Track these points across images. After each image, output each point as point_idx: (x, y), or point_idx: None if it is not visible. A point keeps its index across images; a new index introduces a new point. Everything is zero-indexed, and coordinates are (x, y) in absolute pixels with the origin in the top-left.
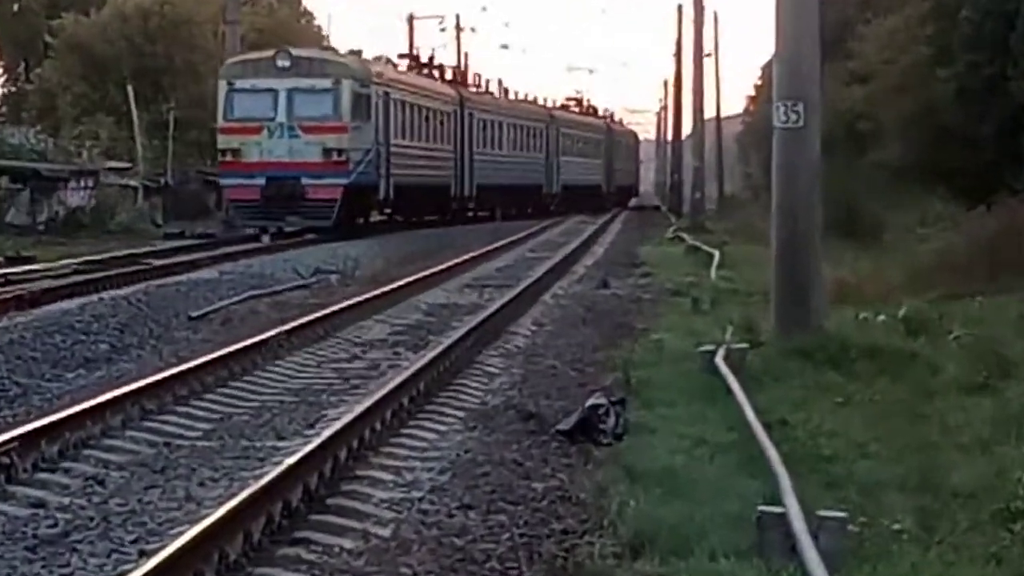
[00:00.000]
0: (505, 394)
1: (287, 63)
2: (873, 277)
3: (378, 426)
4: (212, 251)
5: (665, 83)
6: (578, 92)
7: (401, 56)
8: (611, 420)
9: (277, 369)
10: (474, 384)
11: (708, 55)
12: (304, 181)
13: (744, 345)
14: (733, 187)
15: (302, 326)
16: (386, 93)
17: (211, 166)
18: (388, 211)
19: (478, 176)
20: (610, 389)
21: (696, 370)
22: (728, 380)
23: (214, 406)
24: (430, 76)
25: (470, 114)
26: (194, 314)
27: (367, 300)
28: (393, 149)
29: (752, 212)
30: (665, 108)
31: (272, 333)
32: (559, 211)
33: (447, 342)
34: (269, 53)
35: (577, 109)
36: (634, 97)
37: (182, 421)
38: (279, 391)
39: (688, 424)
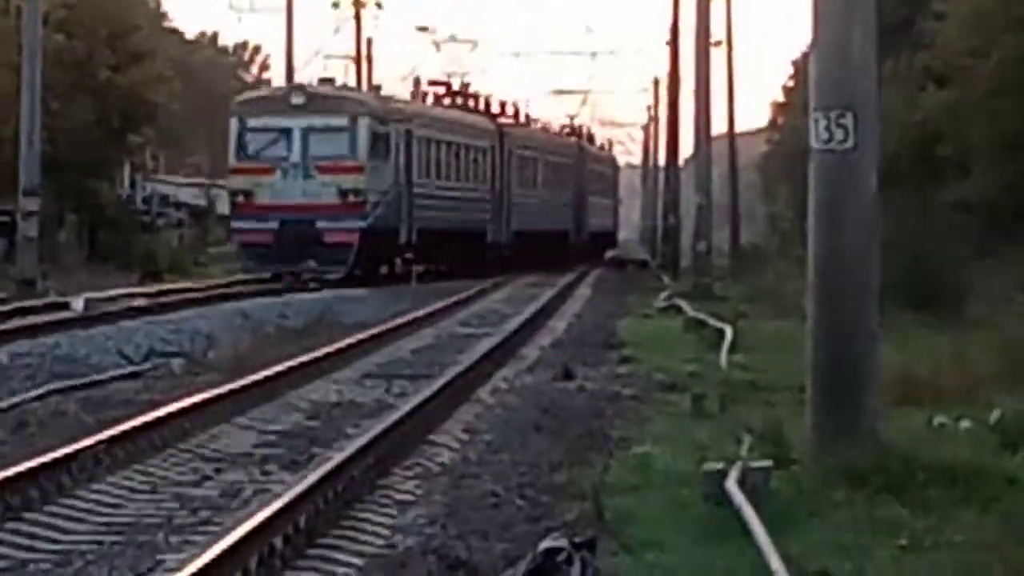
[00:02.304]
0: (422, 533)
1: (302, 100)
2: (953, 365)
3: None
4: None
5: (655, 83)
6: (571, 117)
7: (432, 83)
8: (575, 571)
9: (93, 496)
10: (378, 519)
11: (718, 44)
12: (319, 224)
13: (768, 463)
14: (753, 235)
15: (129, 433)
16: (408, 131)
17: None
18: (410, 257)
19: (515, 220)
20: (574, 526)
21: (698, 499)
22: (744, 514)
23: (0, 549)
24: (464, 107)
25: (510, 151)
26: None
27: (225, 396)
28: (417, 190)
29: (781, 271)
30: (655, 120)
31: (86, 443)
32: (583, 260)
33: (339, 458)
34: (283, 89)
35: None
36: (608, 103)
37: None
38: (95, 528)
39: None
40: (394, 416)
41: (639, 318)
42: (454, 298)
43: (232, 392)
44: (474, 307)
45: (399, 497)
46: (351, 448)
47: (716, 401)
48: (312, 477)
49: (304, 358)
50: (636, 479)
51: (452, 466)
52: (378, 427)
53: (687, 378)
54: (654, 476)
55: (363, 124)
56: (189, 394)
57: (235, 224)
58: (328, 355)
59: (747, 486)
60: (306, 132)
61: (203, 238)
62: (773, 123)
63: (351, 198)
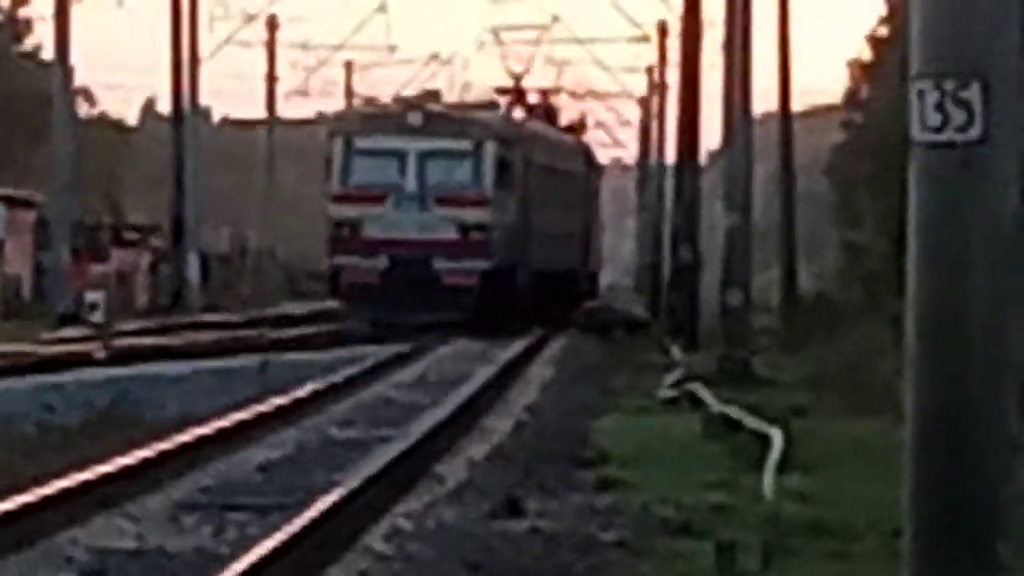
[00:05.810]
0: None
1: (419, 121)
2: None
3: None
4: None
5: (661, 29)
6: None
7: (500, 91)
8: None
9: None
10: None
11: None
12: (436, 264)
13: None
14: (820, 276)
15: None
16: (526, 157)
17: None
18: (522, 303)
19: (591, 260)
20: None
21: None
22: None
23: None
24: (548, 121)
25: (596, 176)
26: None
27: None
28: (535, 226)
29: (866, 339)
30: (659, 88)
31: None
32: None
33: None
34: (397, 108)
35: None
36: (582, 60)
37: None
38: None
39: None
40: None
41: (631, 414)
42: (330, 379)
43: None
44: (363, 393)
45: None
46: None
47: (756, 553)
48: None
49: (82, 478)
50: None
51: None
52: None
53: (709, 514)
54: None
55: (489, 149)
56: None
57: (336, 260)
58: (122, 472)
59: None
60: (423, 157)
61: None
62: (853, 95)
63: (474, 235)
